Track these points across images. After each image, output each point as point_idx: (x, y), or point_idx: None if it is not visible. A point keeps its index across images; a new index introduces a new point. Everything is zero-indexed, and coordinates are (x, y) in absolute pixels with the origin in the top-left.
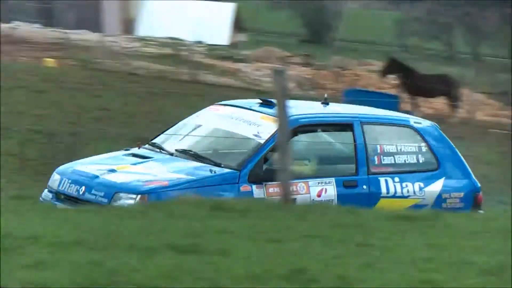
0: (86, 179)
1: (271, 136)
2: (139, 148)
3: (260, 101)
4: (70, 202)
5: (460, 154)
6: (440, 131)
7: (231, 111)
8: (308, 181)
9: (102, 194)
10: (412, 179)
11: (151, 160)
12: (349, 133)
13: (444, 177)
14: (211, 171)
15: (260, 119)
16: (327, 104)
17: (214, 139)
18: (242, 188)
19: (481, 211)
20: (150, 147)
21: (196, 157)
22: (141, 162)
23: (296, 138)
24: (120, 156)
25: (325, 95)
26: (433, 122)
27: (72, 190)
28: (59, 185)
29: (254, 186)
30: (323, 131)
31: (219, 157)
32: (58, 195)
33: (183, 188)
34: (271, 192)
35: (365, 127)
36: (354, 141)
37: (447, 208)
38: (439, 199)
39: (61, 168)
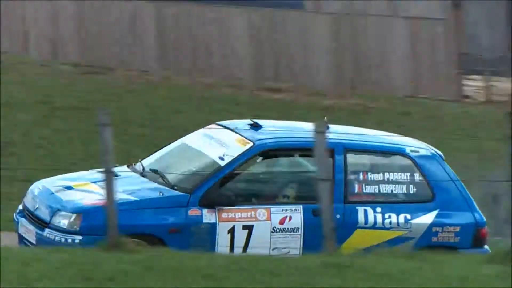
0: (43, 195)
1: (233, 159)
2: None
3: (251, 123)
4: (29, 218)
5: (464, 186)
6: (443, 161)
7: (216, 131)
8: (270, 208)
9: (47, 211)
10: (397, 210)
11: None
12: (329, 160)
13: (438, 210)
14: (160, 192)
15: (234, 141)
16: (328, 127)
17: (184, 159)
18: (190, 212)
19: (486, 248)
20: (135, 166)
21: (161, 177)
22: (102, 180)
23: (264, 162)
24: (94, 173)
25: (325, 118)
26: (437, 151)
27: (31, 205)
28: (25, 200)
29: (205, 211)
30: (301, 156)
31: (177, 178)
32: (23, 210)
33: (122, 210)
34: (224, 218)
35: (350, 154)
36: (333, 168)
37: (438, 242)
38: (428, 233)
39: (37, 182)
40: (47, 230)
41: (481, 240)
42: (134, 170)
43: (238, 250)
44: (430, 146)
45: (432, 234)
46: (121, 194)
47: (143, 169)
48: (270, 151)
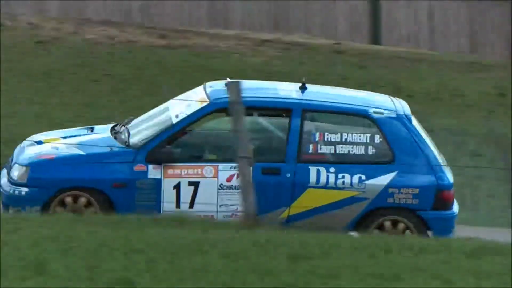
0: (18, 149)
1: (185, 118)
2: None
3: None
4: (7, 170)
5: (431, 148)
6: (410, 122)
7: (195, 91)
8: (218, 165)
9: (10, 164)
10: (352, 171)
11: (80, 135)
12: (286, 119)
13: (396, 171)
14: (110, 148)
15: (198, 100)
16: (305, 88)
17: (155, 119)
18: (135, 168)
19: (452, 211)
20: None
21: (120, 135)
22: (70, 137)
23: (214, 120)
24: (78, 130)
25: (303, 79)
26: (407, 112)
27: (10, 159)
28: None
29: (150, 167)
30: (259, 115)
31: (133, 135)
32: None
33: (68, 163)
34: (169, 174)
35: (308, 114)
36: (289, 128)
37: (395, 204)
38: (384, 194)
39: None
40: (7, 182)
41: (443, 203)
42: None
43: (184, 206)
44: (401, 106)
45: (388, 195)
46: (74, 149)
47: (113, 128)
48: (225, 110)
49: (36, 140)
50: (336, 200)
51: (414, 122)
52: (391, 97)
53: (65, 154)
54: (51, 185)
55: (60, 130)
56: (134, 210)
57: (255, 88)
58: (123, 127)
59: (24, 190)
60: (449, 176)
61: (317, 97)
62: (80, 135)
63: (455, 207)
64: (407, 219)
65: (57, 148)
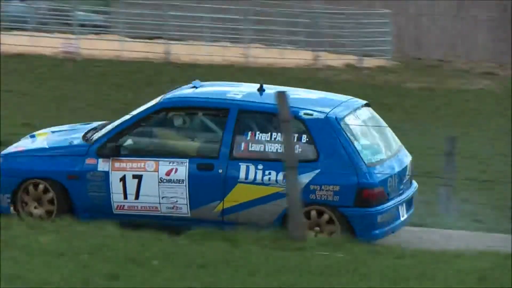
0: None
1: (135, 114)
2: None
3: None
4: None
5: (355, 148)
6: (338, 124)
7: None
8: (159, 160)
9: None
10: (278, 168)
11: (67, 131)
12: (225, 119)
13: (319, 169)
14: (70, 143)
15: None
16: (263, 90)
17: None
18: (87, 161)
19: (376, 208)
20: None
21: (87, 132)
22: (58, 131)
23: (160, 118)
24: (78, 126)
25: (261, 81)
26: (338, 115)
27: None
28: None
29: (100, 160)
30: (203, 114)
31: (96, 133)
32: None
33: (32, 155)
34: (116, 167)
35: (243, 114)
36: (225, 126)
37: (316, 200)
38: (306, 190)
39: None
40: None
41: (366, 201)
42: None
43: (130, 197)
44: (341, 109)
45: (310, 191)
46: (42, 143)
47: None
48: (172, 109)
49: (31, 134)
50: (263, 195)
51: (346, 123)
52: (349, 99)
53: (32, 147)
54: (17, 175)
55: (60, 126)
56: (88, 201)
57: (210, 88)
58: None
59: None
60: (374, 175)
61: (258, 98)
62: (63, 131)
63: (387, 205)
64: (332, 214)
65: (34, 142)
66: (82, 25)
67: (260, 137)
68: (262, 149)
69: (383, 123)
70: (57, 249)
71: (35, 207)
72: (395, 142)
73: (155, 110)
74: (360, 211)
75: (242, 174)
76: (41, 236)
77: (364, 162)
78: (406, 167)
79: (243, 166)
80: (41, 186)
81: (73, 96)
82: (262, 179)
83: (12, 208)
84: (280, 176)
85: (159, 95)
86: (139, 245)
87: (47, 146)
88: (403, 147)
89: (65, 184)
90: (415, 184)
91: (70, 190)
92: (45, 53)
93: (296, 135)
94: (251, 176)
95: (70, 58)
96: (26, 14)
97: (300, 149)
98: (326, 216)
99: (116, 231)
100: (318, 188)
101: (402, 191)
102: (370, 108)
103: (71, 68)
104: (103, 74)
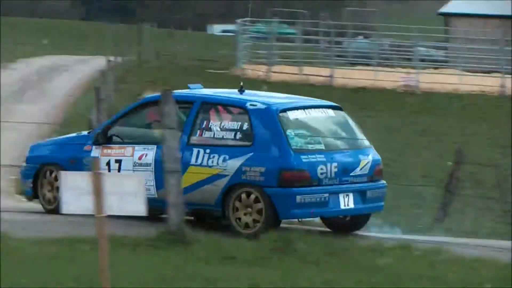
0: None
1: (122, 109)
2: None
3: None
4: None
5: (285, 135)
6: (274, 114)
7: None
8: (135, 146)
9: None
10: (220, 152)
11: None
12: (189, 110)
13: (252, 153)
14: (77, 133)
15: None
16: (243, 91)
17: None
18: (84, 148)
19: (294, 189)
20: None
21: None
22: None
23: (142, 111)
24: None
25: (241, 83)
26: (280, 107)
27: None
28: None
29: (94, 147)
30: (180, 108)
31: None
32: None
33: (50, 144)
34: (104, 153)
35: (205, 106)
36: (188, 116)
37: (247, 180)
38: (239, 171)
39: None
40: None
41: (286, 182)
42: None
43: None
44: (286, 102)
45: (242, 172)
46: (62, 136)
47: None
48: (150, 103)
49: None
50: (207, 176)
51: (285, 115)
52: (310, 100)
53: (52, 139)
54: (36, 161)
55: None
56: None
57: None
58: None
59: (24, 165)
60: (298, 160)
61: (226, 94)
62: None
63: (313, 189)
64: (259, 193)
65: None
66: (422, 60)
67: (212, 125)
68: (212, 136)
69: (348, 124)
70: None
71: (49, 191)
72: (357, 141)
73: (137, 104)
74: (281, 191)
75: (193, 158)
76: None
77: (291, 148)
78: (358, 162)
79: (195, 151)
80: (54, 173)
81: (415, 128)
82: (207, 162)
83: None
84: (221, 159)
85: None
86: None
87: (61, 137)
88: (371, 148)
89: (66, 167)
90: (381, 182)
91: None
92: (385, 86)
93: (239, 123)
94: (199, 160)
95: (410, 91)
96: (369, 50)
97: (241, 135)
98: (253, 196)
99: None
100: (248, 170)
101: (346, 182)
102: (340, 111)
103: (411, 101)
104: (443, 107)
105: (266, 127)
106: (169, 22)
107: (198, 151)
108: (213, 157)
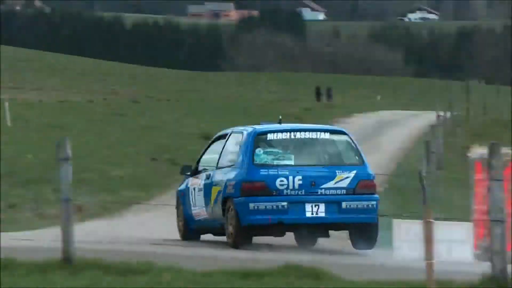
0: None
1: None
2: None
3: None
4: None
5: (251, 153)
6: (251, 136)
7: None
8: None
9: None
10: (220, 172)
11: None
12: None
13: (236, 170)
14: None
15: None
16: (280, 123)
17: None
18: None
19: (251, 198)
20: None
21: None
22: None
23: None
24: None
25: (279, 116)
26: (259, 130)
27: None
28: None
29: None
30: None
31: None
32: None
33: None
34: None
35: (232, 135)
36: (224, 145)
37: (228, 193)
38: (225, 186)
39: None
40: None
41: (244, 191)
42: None
43: None
44: (267, 128)
45: (226, 187)
46: None
47: None
48: (219, 137)
49: None
50: (216, 193)
51: (263, 137)
52: (281, 124)
53: None
54: None
55: None
56: None
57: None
58: None
59: None
60: (255, 173)
61: (251, 126)
62: None
63: (270, 198)
64: (233, 204)
65: None
66: None
67: (220, 147)
68: (218, 156)
69: (343, 145)
70: None
71: None
72: (338, 158)
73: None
74: (240, 199)
75: (213, 179)
76: None
77: (252, 163)
78: (332, 177)
79: (212, 173)
80: None
81: None
82: (215, 181)
83: None
84: (219, 178)
85: None
86: None
87: None
88: (362, 166)
89: None
90: (367, 196)
91: None
92: None
93: (238, 145)
94: (214, 180)
95: None
96: None
97: (234, 157)
98: (228, 205)
99: None
100: (229, 184)
101: (314, 193)
102: (341, 135)
103: None
104: None
105: (244, 146)
106: (495, 78)
107: (214, 172)
108: (217, 176)
